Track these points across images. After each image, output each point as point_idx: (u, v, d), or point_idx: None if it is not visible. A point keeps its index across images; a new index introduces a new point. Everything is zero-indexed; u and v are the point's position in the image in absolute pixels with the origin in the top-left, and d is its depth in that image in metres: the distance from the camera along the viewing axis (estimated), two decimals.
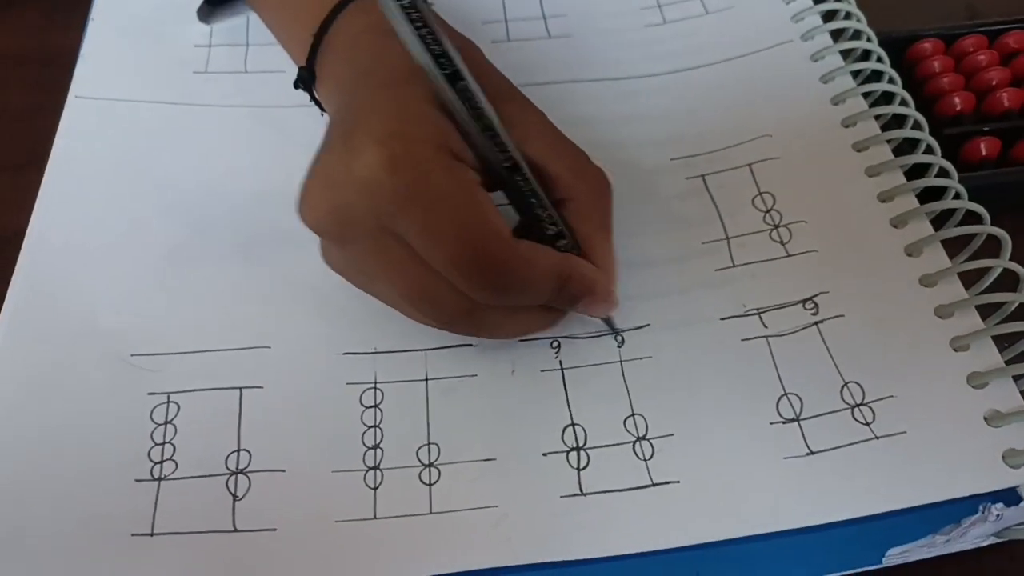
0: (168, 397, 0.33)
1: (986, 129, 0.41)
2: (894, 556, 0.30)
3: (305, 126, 0.40)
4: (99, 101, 0.41)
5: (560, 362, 0.33)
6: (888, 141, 0.38)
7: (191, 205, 0.38)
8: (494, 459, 0.31)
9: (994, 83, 0.42)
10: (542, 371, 0.33)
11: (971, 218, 0.34)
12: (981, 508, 0.29)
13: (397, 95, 0.29)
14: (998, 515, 0.29)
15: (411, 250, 0.28)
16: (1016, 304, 0.32)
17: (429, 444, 0.31)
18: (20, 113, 0.44)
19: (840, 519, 0.29)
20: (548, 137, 0.31)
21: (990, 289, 0.33)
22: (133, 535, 0.30)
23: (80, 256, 0.36)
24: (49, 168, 0.39)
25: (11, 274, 0.36)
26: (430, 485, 0.31)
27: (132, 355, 0.34)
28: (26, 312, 0.34)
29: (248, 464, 0.31)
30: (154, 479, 0.31)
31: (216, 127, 0.41)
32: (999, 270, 0.33)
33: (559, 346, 0.34)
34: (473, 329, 0.31)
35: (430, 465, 0.31)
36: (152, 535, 0.30)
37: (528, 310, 0.31)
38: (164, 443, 0.32)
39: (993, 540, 0.31)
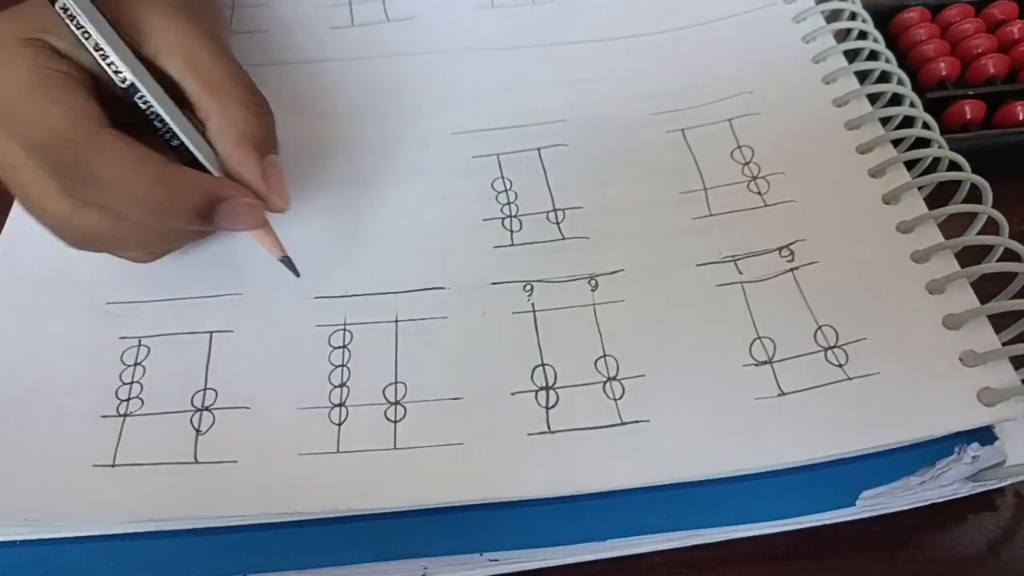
0: (139, 341, 0.33)
1: (970, 94, 0.40)
2: (869, 499, 0.29)
3: (284, 85, 0.40)
4: None
5: (532, 304, 0.33)
6: (872, 101, 0.38)
7: None
8: (461, 398, 0.31)
9: (979, 51, 0.42)
10: (514, 313, 0.33)
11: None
12: (956, 449, 0.29)
13: None
14: (974, 456, 0.28)
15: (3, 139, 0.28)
16: (1001, 250, 0.32)
17: (396, 383, 0.31)
18: None
19: (811, 459, 0.29)
20: (189, 52, 0.30)
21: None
22: (94, 466, 0.29)
23: None
24: None
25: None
26: (395, 422, 0.30)
27: (108, 303, 0.34)
28: (8, 261, 0.35)
29: (214, 402, 0.31)
30: (119, 415, 0.31)
31: None
32: (984, 218, 0.32)
33: (532, 289, 0.33)
34: (85, 237, 0.30)
35: (396, 403, 0.31)
36: (113, 466, 0.29)
37: (153, 217, 0.30)
38: (132, 382, 0.32)
39: (971, 487, 0.30)
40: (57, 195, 0.29)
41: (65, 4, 0.28)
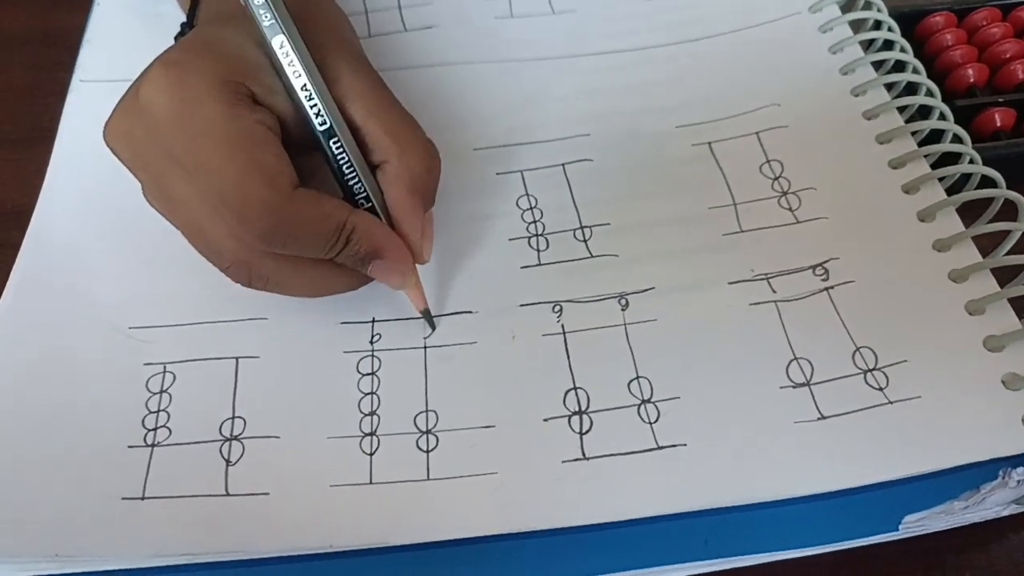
0: (164, 367, 0.32)
1: (1000, 101, 0.40)
2: (911, 524, 0.29)
3: None
4: (104, 84, 0.41)
5: (562, 326, 0.32)
6: (900, 111, 0.37)
7: None
8: (493, 426, 0.30)
9: (1008, 55, 0.41)
10: (543, 335, 0.32)
11: (986, 187, 0.33)
12: (1001, 473, 0.28)
13: (214, 31, 0.29)
14: (1019, 480, 0.28)
15: (188, 181, 0.28)
16: None
17: (427, 411, 0.31)
18: (23, 91, 0.44)
19: (853, 485, 0.28)
20: (371, 98, 0.30)
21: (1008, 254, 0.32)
22: (123, 499, 0.29)
23: (83, 233, 0.36)
24: (56, 149, 0.39)
25: (12, 248, 0.35)
26: (427, 452, 0.30)
27: (130, 328, 0.33)
28: (30, 286, 0.34)
29: (243, 431, 0.30)
30: (147, 445, 0.30)
31: None
32: (1018, 234, 0.32)
33: (561, 310, 0.33)
34: (257, 280, 0.30)
35: (428, 432, 0.30)
36: (143, 499, 0.29)
37: (316, 266, 0.30)
38: (159, 411, 0.31)
39: (1014, 508, 0.30)
40: (237, 244, 0.28)
41: (283, 42, 0.28)
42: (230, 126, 0.27)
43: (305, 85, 0.28)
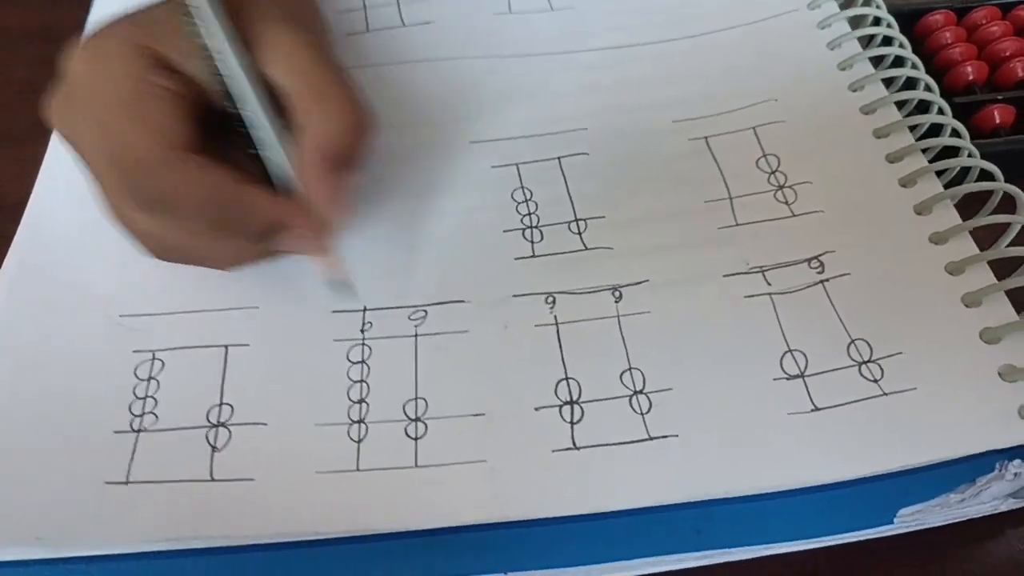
0: (153, 354, 0.32)
1: (1000, 98, 0.39)
2: (907, 518, 0.28)
3: None
4: None
5: (555, 317, 0.32)
6: (899, 107, 0.37)
7: None
8: (483, 414, 0.30)
9: (1008, 54, 0.41)
10: (536, 326, 0.32)
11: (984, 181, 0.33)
12: (998, 466, 0.28)
13: (151, 3, 0.30)
14: (1016, 473, 0.28)
15: (94, 143, 0.28)
16: None
17: (416, 399, 0.30)
18: (24, 87, 0.44)
19: (848, 477, 0.28)
20: (296, 59, 0.29)
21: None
22: (107, 483, 0.29)
23: (77, 223, 0.35)
24: (52, 141, 0.39)
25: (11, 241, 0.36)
26: (416, 439, 0.29)
27: (121, 316, 0.33)
28: (23, 275, 0.34)
29: (230, 417, 0.30)
30: (133, 431, 0.30)
31: None
32: (1018, 226, 0.31)
33: (554, 301, 0.32)
34: (165, 251, 0.30)
35: (417, 419, 0.30)
36: (127, 483, 0.29)
37: (225, 237, 0.30)
38: (146, 397, 0.31)
39: (1012, 503, 0.29)
40: (135, 210, 0.29)
41: (191, 4, 0.28)
42: (130, 88, 0.28)
43: (207, 47, 0.28)
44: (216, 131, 0.29)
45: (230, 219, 0.29)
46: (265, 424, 0.30)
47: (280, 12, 0.30)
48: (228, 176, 0.28)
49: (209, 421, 0.30)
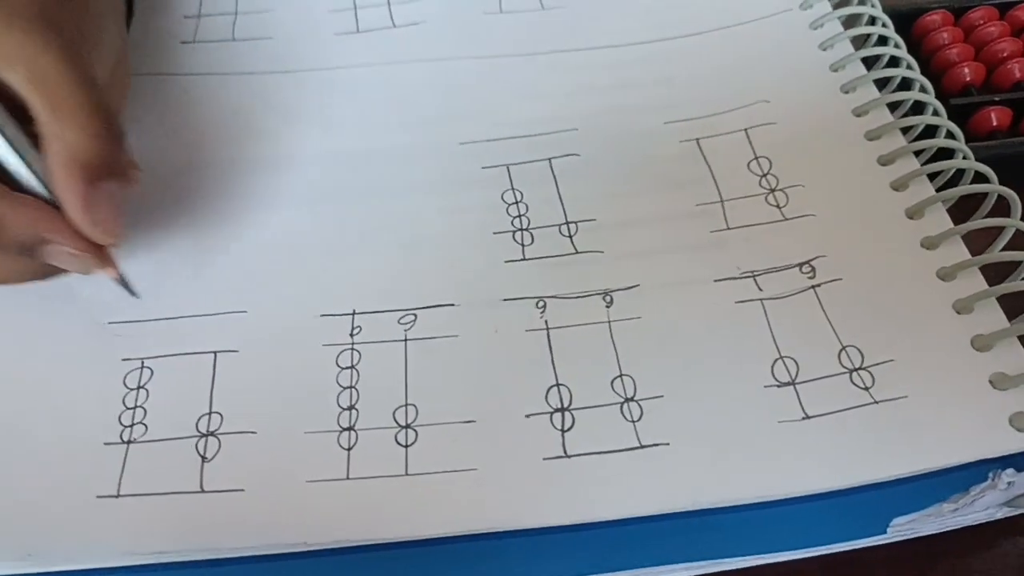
0: (142, 362, 0.32)
1: (996, 100, 0.39)
2: (900, 527, 0.28)
3: (289, 93, 0.39)
4: None
5: (546, 322, 0.32)
6: (892, 109, 0.37)
7: (173, 174, 0.37)
8: (474, 421, 0.30)
9: (1005, 54, 0.41)
10: (527, 331, 0.32)
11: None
12: (991, 475, 0.28)
13: None
14: (1009, 482, 0.27)
15: None
16: None
17: (407, 405, 0.30)
18: None
19: (839, 486, 0.28)
20: (36, 64, 0.27)
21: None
22: (98, 497, 0.28)
23: None
24: None
25: None
26: (406, 447, 0.29)
27: (109, 322, 0.33)
28: None
29: (219, 426, 0.30)
30: (123, 442, 0.30)
31: (203, 96, 0.40)
32: (1012, 230, 0.31)
33: (545, 305, 0.32)
34: None
35: (407, 427, 0.30)
36: (118, 496, 0.28)
37: None
38: (136, 407, 0.31)
39: (1006, 512, 0.29)
40: None
41: None
42: None
43: None
44: None
45: None
46: (254, 432, 0.30)
47: (25, 12, 0.27)
48: None
49: (199, 431, 0.30)
